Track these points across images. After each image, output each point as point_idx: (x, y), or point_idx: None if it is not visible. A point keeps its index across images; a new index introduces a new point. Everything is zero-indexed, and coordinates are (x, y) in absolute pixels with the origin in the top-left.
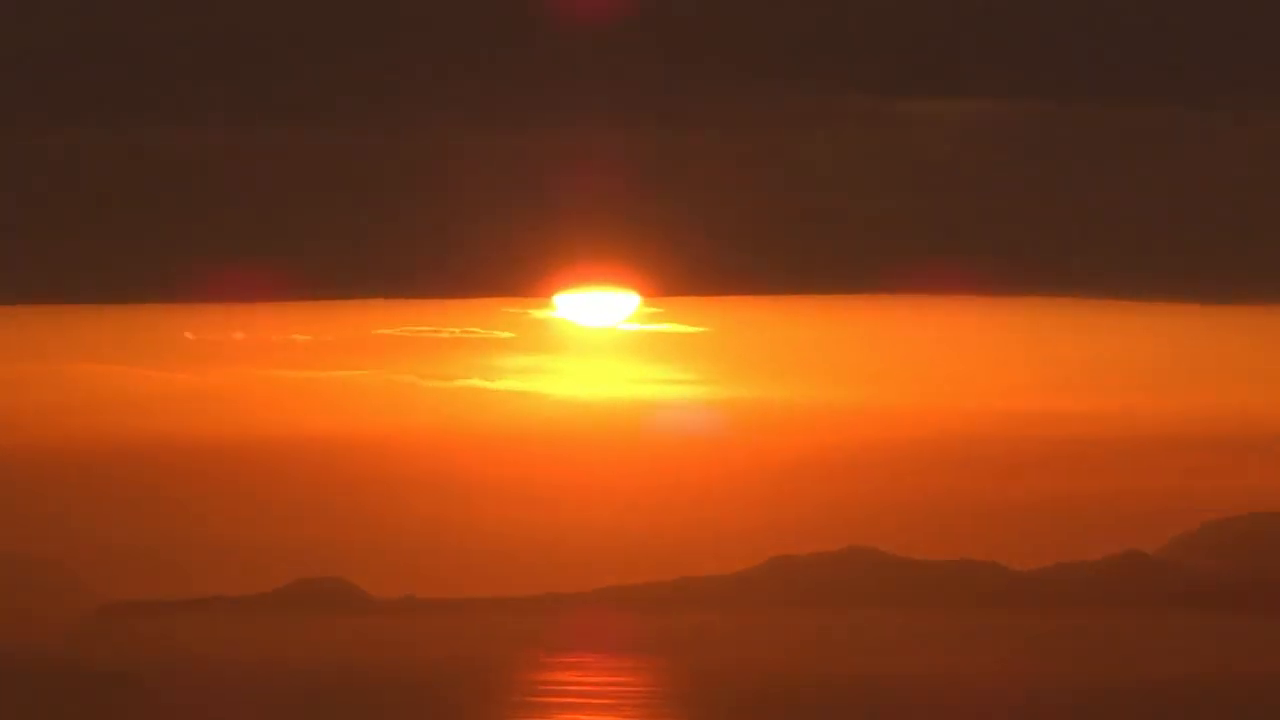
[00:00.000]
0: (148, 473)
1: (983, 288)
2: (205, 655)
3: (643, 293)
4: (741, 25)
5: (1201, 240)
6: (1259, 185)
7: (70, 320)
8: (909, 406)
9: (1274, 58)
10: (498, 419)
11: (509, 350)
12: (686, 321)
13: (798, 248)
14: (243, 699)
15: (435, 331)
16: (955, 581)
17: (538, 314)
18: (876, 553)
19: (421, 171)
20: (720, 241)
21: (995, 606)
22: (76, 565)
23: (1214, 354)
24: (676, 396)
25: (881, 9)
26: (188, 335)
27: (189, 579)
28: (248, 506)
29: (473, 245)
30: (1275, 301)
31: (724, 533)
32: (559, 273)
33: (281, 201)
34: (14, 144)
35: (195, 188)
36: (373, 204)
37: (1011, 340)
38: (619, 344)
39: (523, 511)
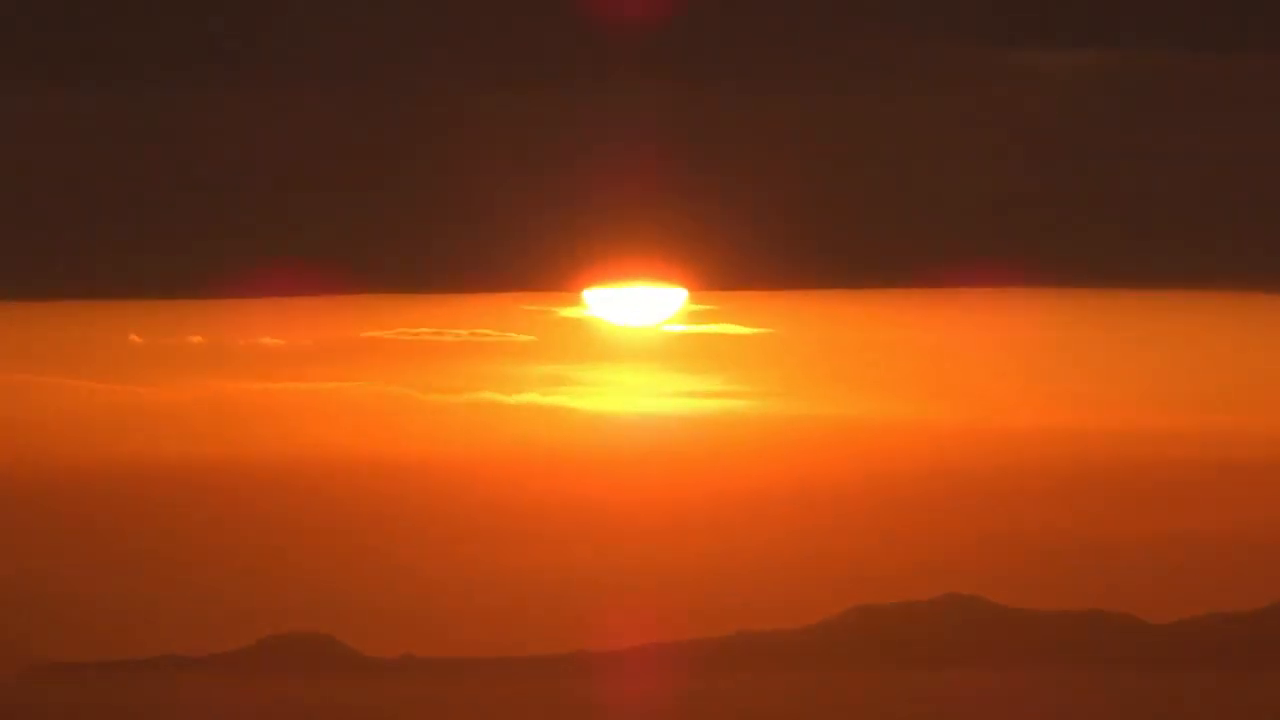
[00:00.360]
0: (85, 506)
1: (1104, 280)
2: None
3: (690, 287)
4: None
5: None
6: None
7: None
8: (1017, 426)
9: None
10: (514, 440)
11: (529, 357)
12: (743, 322)
13: (878, 232)
14: None
15: (438, 334)
16: (1079, 637)
17: (564, 313)
18: (980, 601)
19: (421, 138)
20: (783, 226)
21: (1130, 666)
22: (6, 618)
23: None
24: (731, 412)
25: None
26: (134, 339)
27: (136, 634)
28: (209, 546)
29: (485, 229)
30: None
31: (791, 578)
32: (590, 263)
33: (249, 175)
34: None
35: (141, 158)
36: (361, 178)
37: (1147, 344)
38: (662, 349)
39: (544, 552)
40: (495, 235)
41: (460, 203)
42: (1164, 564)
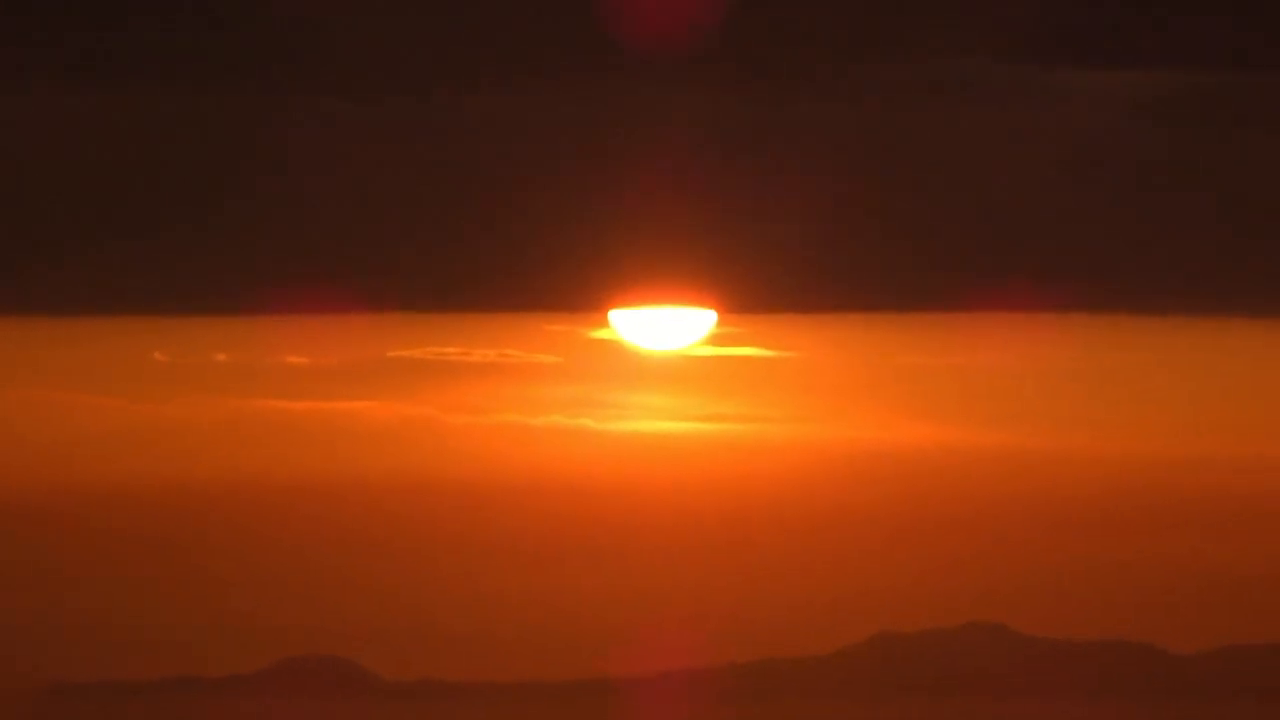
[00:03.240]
0: (106, 526)
1: (1152, 306)
2: None
3: (720, 309)
4: None
5: None
6: None
7: (7, 337)
8: (1049, 451)
9: None
10: (539, 462)
11: (555, 378)
12: (773, 345)
13: (917, 254)
14: None
15: (464, 354)
16: (1102, 667)
17: (591, 334)
18: (1004, 630)
19: (450, 153)
20: (818, 246)
21: (1152, 697)
22: (18, 638)
23: None
24: (759, 436)
25: None
26: (157, 356)
27: (155, 656)
28: (228, 566)
29: (512, 247)
30: None
31: (816, 602)
32: (617, 284)
33: (276, 190)
34: None
35: (167, 171)
36: (383, 192)
37: (1185, 371)
38: (689, 371)
39: (566, 576)
40: (523, 253)
41: (488, 220)
42: (1194, 593)
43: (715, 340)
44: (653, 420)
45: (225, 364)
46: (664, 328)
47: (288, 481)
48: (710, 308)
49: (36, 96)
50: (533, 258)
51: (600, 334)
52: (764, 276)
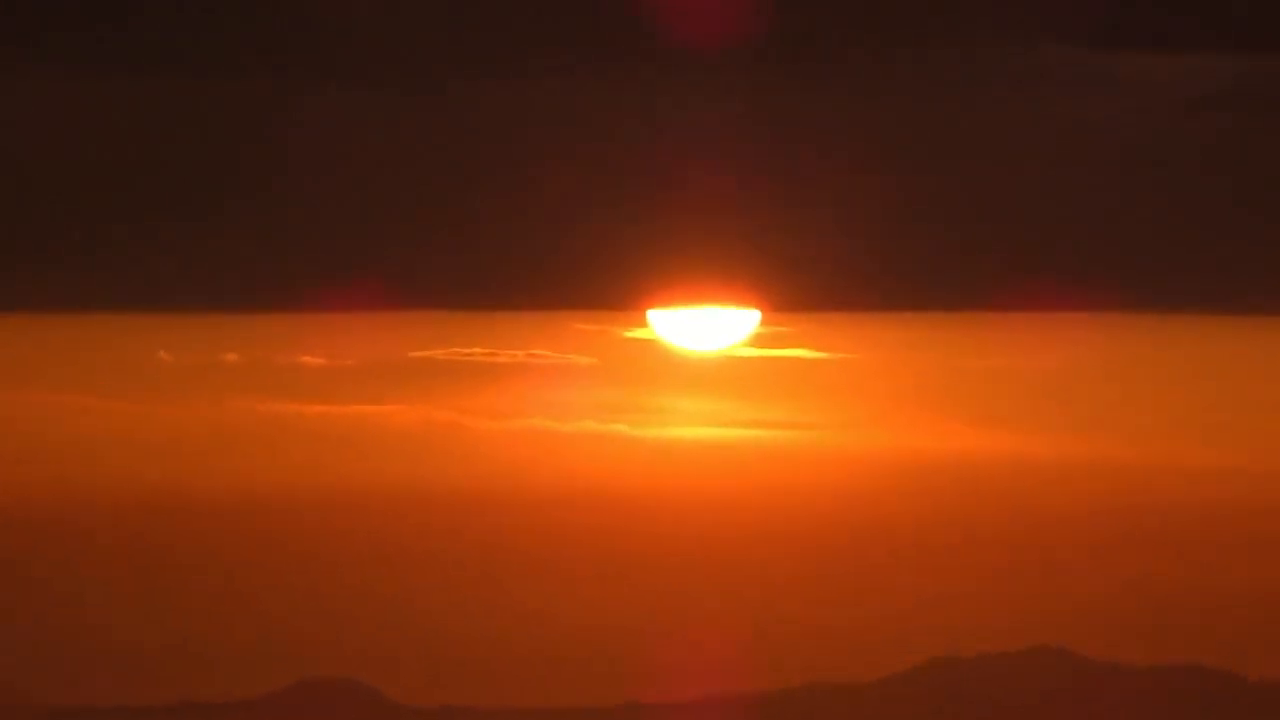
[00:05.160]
0: (108, 539)
1: (1237, 305)
2: None
3: (763, 308)
4: None
5: None
6: None
7: (3, 337)
8: (1118, 460)
9: None
10: (570, 470)
11: (588, 381)
12: (820, 346)
13: (973, 249)
14: None
15: (490, 355)
16: (1174, 693)
17: (626, 334)
18: (1069, 655)
19: (475, 143)
20: (869, 239)
21: None
22: (15, 661)
23: None
24: (805, 442)
25: None
26: (163, 355)
27: (158, 679)
28: (237, 583)
29: (538, 239)
30: None
31: (865, 624)
32: (654, 281)
33: (284, 178)
34: None
35: (171, 159)
36: (405, 183)
37: (1275, 377)
38: (730, 374)
39: (597, 593)
40: (554, 249)
41: (517, 214)
42: (1271, 617)
43: (759, 341)
44: (692, 426)
45: (235, 364)
46: (704, 327)
47: (301, 490)
48: (754, 306)
49: (37, 84)
50: (565, 253)
51: (636, 334)
52: (811, 273)
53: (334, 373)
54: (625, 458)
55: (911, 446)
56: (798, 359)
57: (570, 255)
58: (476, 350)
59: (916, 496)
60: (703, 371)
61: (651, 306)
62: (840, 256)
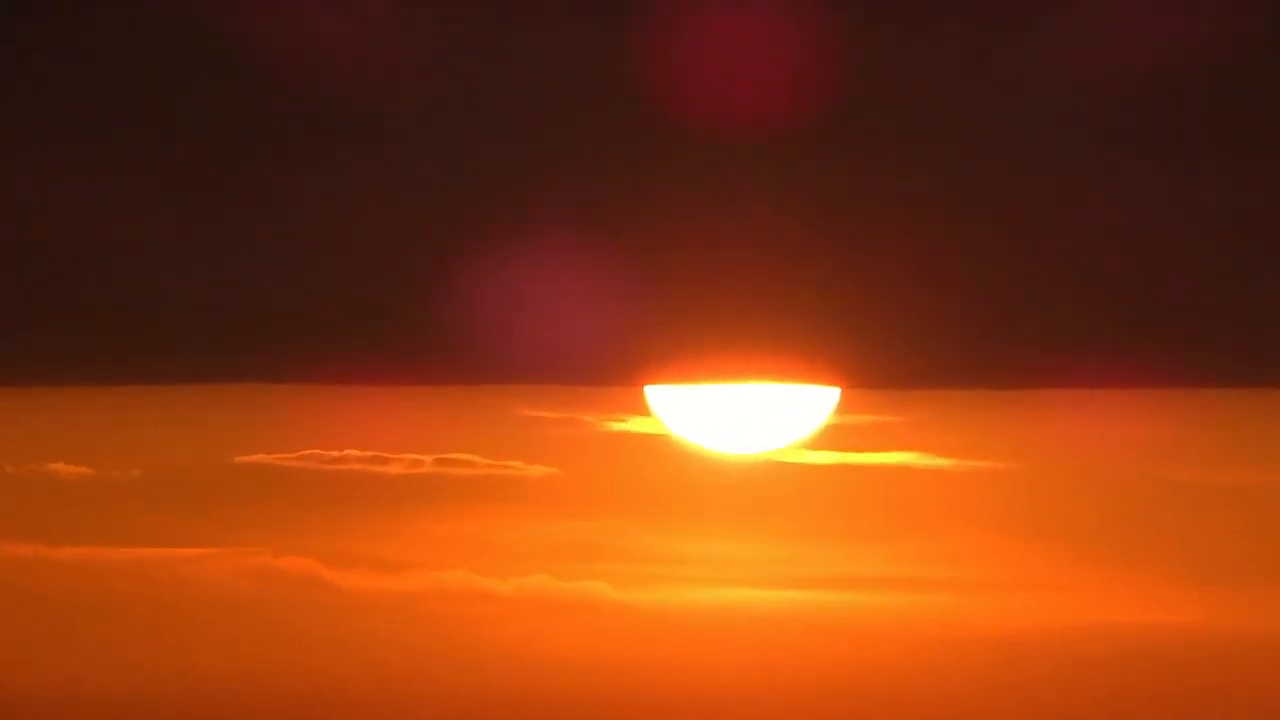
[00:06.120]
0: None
1: None
2: None
3: (841, 382)
4: None
5: None
6: None
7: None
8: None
9: None
10: (501, 663)
11: (541, 505)
12: (935, 444)
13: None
14: None
15: (380, 463)
16: None
17: (607, 425)
18: None
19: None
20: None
21: None
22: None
23: None
24: (888, 609)
25: None
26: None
27: None
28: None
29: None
30: None
31: None
32: (650, 356)
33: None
34: None
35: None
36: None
37: None
38: (784, 489)
39: None
40: (497, 327)
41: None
42: None
43: (835, 436)
44: (707, 582)
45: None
46: (741, 411)
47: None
48: (824, 382)
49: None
50: (507, 329)
51: (624, 425)
52: (902, 340)
53: (105, 485)
54: (607, 636)
55: (1092, 621)
56: (902, 467)
57: (509, 331)
58: (351, 453)
59: (1049, 686)
60: (732, 485)
61: (650, 381)
62: (943, 327)
